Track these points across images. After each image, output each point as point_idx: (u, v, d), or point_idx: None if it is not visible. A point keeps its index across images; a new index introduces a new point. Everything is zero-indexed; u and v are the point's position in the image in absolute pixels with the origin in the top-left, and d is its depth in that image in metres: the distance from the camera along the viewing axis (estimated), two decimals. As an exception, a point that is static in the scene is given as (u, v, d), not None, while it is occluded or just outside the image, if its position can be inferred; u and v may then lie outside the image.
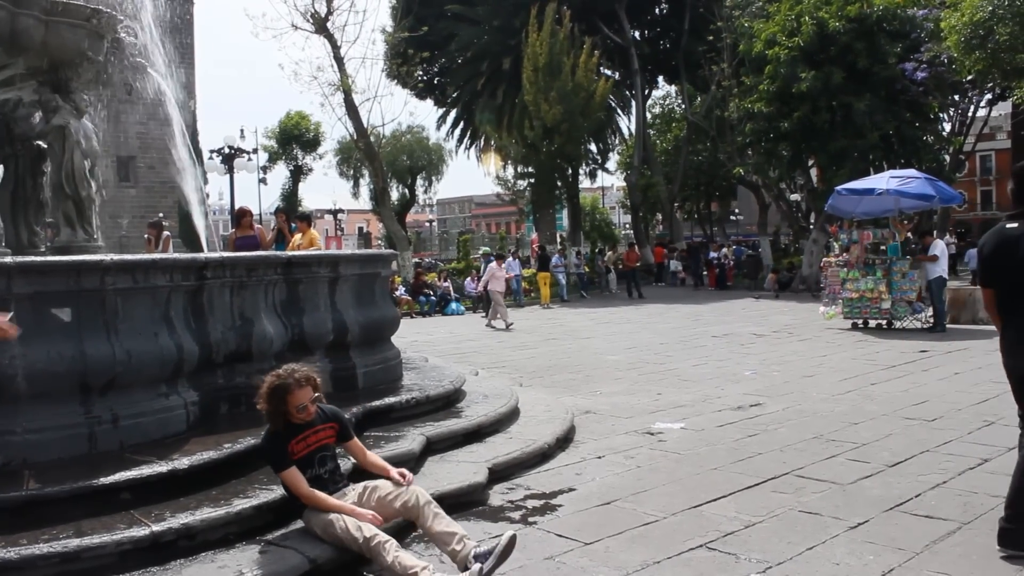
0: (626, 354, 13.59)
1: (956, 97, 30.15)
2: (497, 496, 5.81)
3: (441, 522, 4.51)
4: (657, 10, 42.12)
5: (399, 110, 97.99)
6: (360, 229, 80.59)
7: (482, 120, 40.39)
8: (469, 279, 27.70)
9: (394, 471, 4.85)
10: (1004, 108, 39.53)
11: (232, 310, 6.58)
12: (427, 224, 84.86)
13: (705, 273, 34.44)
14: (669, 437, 7.53)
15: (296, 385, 4.69)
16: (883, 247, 16.13)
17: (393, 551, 4.27)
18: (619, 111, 44.65)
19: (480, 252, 29.06)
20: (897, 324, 15.74)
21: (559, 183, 36.73)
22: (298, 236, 11.73)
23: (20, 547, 4.09)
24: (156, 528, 4.37)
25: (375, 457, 5.09)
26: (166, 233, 13.28)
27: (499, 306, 20.01)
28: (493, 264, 21.25)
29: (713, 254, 35.61)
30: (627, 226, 63.02)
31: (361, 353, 7.74)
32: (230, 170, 32.35)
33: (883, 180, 16.10)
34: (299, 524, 4.81)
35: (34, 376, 5.13)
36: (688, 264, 36.45)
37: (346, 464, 5.17)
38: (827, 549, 4.64)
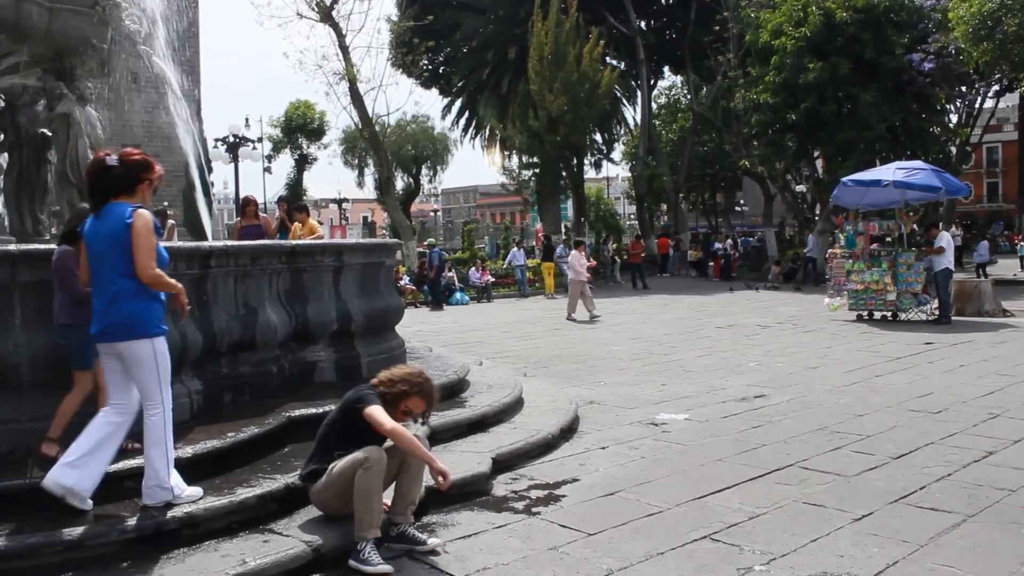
0: (630, 345, 13.58)
1: (963, 88, 30.03)
2: (501, 486, 5.81)
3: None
4: (663, 0, 41.98)
5: (404, 99, 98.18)
6: (365, 219, 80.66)
7: (486, 114, 40.33)
8: (474, 269, 27.71)
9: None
10: (1011, 99, 39.40)
11: (236, 299, 6.58)
12: (432, 214, 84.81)
13: (711, 264, 34.38)
14: (673, 428, 7.52)
15: (425, 396, 4.82)
16: (889, 238, 16.10)
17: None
18: (624, 101, 44.55)
19: (426, 243, 28.11)
20: (902, 316, 15.69)
21: (564, 173, 36.66)
22: (297, 226, 11.73)
23: (25, 535, 4.10)
24: (159, 517, 4.38)
25: None
26: (171, 222, 13.27)
27: (578, 297, 18.13)
28: (574, 252, 19.13)
29: (718, 245, 35.54)
30: (632, 216, 62.97)
31: (365, 342, 7.74)
32: (235, 159, 32.36)
33: (889, 171, 16.02)
34: (302, 514, 4.82)
35: (38, 364, 5.14)
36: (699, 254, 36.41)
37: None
38: (831, 541, 4.63)
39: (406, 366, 5.04)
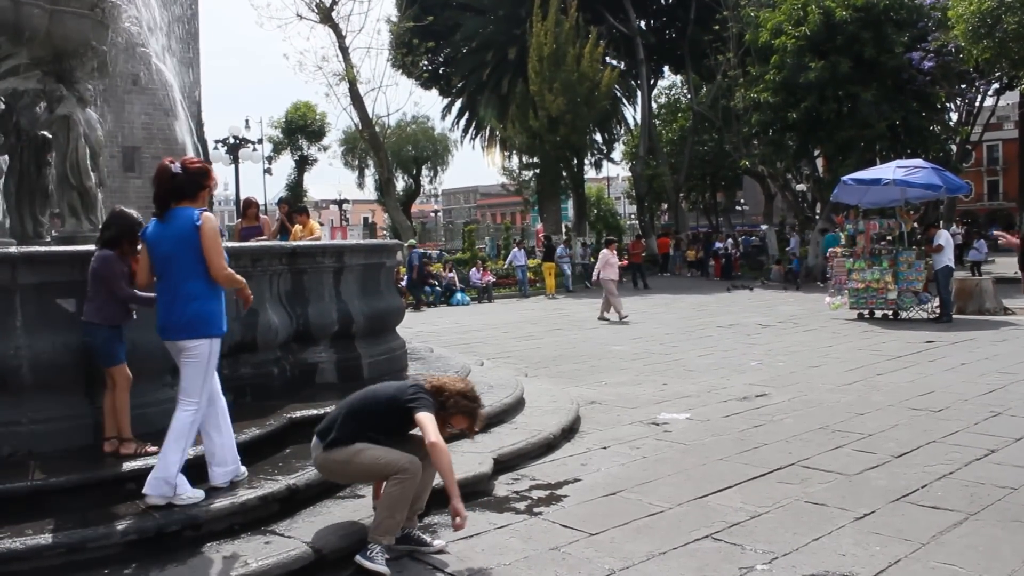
0: (631, 344, 13.57)
1: (963, 87, 29.99)
2: (503, 487, 5.81)
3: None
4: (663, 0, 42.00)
5: (404, 100, 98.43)
6: (365, 220, 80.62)
7: (486, 115, 40.35)
8: (474, 269, 27.72)
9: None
10: (1011, 98, 39.28)
11: (237, 300, 6.56)
12: (432, 214, 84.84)
13: (711, 263, 34.37)
14: (675, 428, 7.52)
15: (472, 418, 4.71)
16: (889, 237, 16.08)
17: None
18: (624, 101, 44.62)
19: (407, 244, 27.60)
20: (903, 314, 15.69)
21: (564, 173, 36.67)
22: (299, 228, 11.72)
23: (26, 537, 4.10)
24: (161, 519, 4.38)
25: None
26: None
27: (612, 296, 17.61)
28: (605, 251, 18.49)
29: (718, 244, 35.51)
30: (632, 216, 62.95)
31: (366, 343, 7.73)
32: (235, 160, 32.34)
33: (889, 170, 16.01)
34: (304, 515, 4.82)
35: (39, 367, 5.13)
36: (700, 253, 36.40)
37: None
38: (833, 540, 4.63)
39: (461, 380, 4.89)
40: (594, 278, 18.32)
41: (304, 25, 27.20)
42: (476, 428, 4.85)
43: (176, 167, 4.79)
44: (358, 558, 4.32)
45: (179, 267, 4.69)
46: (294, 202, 18.73)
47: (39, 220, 8.17)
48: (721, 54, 32.56)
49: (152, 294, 4.99)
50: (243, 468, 5.02)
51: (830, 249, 20.16)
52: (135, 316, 5.19)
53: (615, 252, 18.54)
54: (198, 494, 4.65)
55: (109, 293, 5.00)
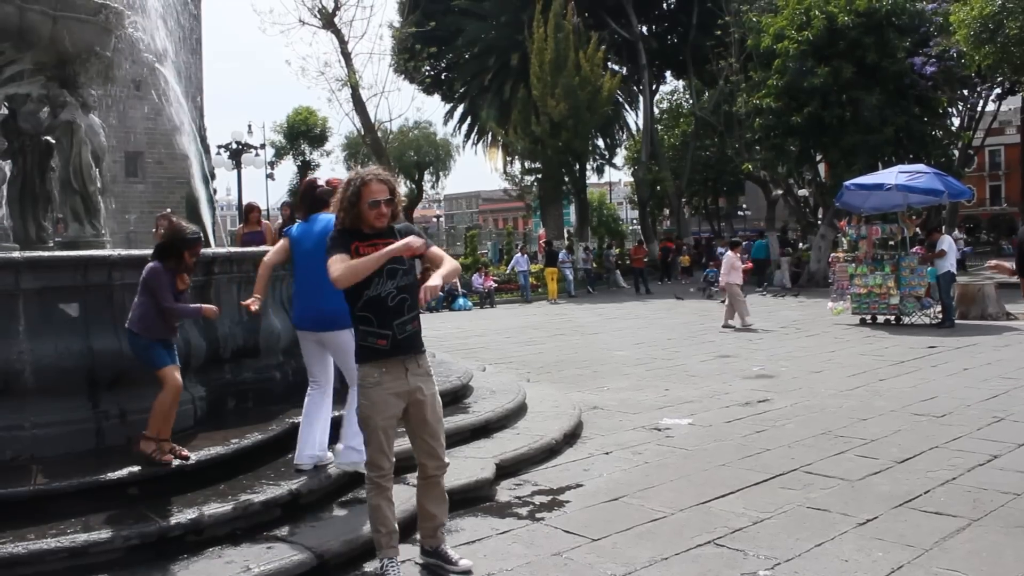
0: (633, 350, 13.57)
1: (965, 92, 29.98)
2: (505, 492, 5.81)
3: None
4: (665, 5, 41.98)
5: (406, 105, 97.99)
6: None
7: (488, 116, 40.37)
8: (477, 274, 27.71)
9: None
10: (1013, 103, 39.30)
11: (239, 305, 6.58)
12: (434, 219, 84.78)
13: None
14: (677, 433, 7.52)
15: (374, 180, 4.24)
16: (891, 242, 16.07)
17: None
18: (626, 106, 44.53)
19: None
20: (905, 320, 15.66)
21: (566, 178, 36.65)
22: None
23: (28, 541, 4.10)
24: (163, 523, 4.38)
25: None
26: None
27: (737, 301, 16.15)
28: (729, 253, 17.02)
29: (720, 249, 35.44)
30: (634, 221, 62.87)
31: (368, 348, 7.72)
32: (237, 165, 32.37)
33: (892, 175, 16.00)
34: (306, 520, 4.82)
35: (42, 371, 5.14)
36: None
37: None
38: (836, 546, 4.62)
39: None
40: (721, 283, 17.03)
41: (307, 31, 27.34)
42: (394, 187, 4.37)
43: (320, 182, 5.60)
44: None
45: (319, 263, 4.81)
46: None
47: (42, 225, 8.19)
48: (723, 59, 32.55)
49: (197, 305, 5.25)
50: (329, 453, 5.40)
51: (832, 255, 20.12)
52: (178, 335, 5.28)
53: (740, 255, 17.05)
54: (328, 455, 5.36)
55: (152, 305, 5.01)
